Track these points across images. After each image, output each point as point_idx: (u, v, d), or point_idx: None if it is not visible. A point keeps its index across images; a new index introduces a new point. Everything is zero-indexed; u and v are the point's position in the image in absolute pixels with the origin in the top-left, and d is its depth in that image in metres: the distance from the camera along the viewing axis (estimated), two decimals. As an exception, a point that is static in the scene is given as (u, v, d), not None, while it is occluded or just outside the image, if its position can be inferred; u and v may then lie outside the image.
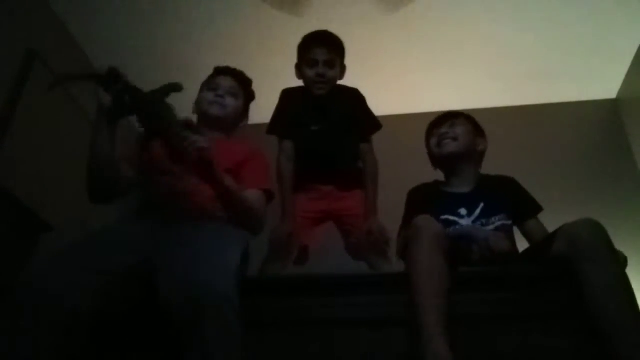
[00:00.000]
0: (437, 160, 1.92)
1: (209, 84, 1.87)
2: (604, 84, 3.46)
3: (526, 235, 1.78)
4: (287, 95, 2.22)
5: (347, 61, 2.22)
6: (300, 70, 2.20)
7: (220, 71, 1.90)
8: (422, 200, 1.80)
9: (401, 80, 3.43)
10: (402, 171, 2.79)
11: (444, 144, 1.85)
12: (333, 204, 2.12)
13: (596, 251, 1.30)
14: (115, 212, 1.73)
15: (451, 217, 1.71)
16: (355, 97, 2.22)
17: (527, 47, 3.22)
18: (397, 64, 3.35)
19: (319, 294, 1.48)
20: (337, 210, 2.13)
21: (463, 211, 1.72)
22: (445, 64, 3.35)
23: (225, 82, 1.85)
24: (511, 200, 1.77)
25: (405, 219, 1.77)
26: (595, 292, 1.25)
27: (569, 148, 3.38)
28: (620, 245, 1.35)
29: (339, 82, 2.22)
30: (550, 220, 1.71)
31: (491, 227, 1.68)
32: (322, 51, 2.13)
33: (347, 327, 1.42)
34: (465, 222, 1.70)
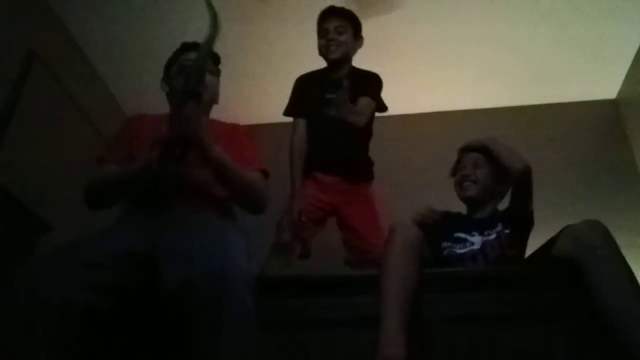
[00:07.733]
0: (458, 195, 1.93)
1: None
2: (604, 84, 3.45)
3: None
4: (302, 79, 2.32)
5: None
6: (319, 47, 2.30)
7: None
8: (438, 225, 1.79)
9: (399, 81, 3.43)
10: (401, 172, 2.80)
11: (465, 186, 1.86)
12: (335, 196, 2.14)
13: (601, 249, 1.31)
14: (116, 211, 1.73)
15: (462, 235, 1.75)
16: (371, 80, 2.27)
17: (527, 48, 3.22)
18: (395, 65, 3.34)
19: (319, 294, 1.48)
20: (339, 203, 2.15)
21: (475, 233, 1.75)
22: (445, 65, 3.34)
23: None
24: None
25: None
26: (601, 288, 1.27)
27: (569, 148, 3.37)
28: (620, 244, 1.36)
29: (361, 67, 2.30)
30: (550, 221, 1.70)
31: (492, 237, 1.71)
32: (331, 19, 2.27)
33: (347, 327, 1.42)
34: (475, 239, 1.73)
